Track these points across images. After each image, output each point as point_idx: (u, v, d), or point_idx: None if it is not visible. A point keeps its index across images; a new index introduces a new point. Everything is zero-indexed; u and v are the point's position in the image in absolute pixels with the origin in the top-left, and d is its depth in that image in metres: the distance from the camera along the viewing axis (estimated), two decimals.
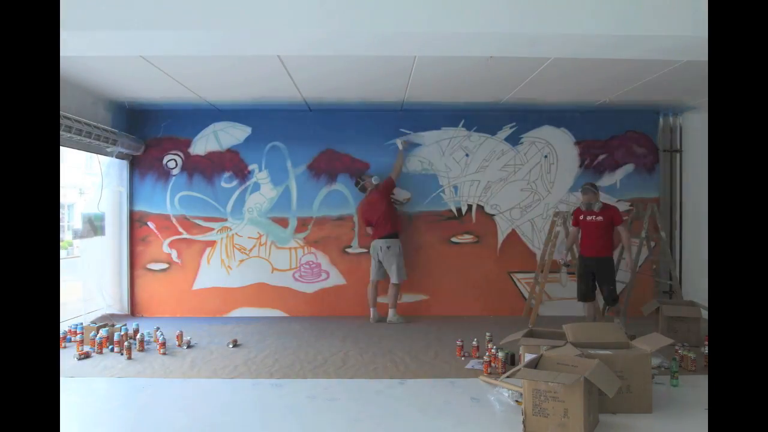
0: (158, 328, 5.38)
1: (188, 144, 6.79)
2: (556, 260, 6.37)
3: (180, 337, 5.25)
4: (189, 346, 5.17)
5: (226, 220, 6.80)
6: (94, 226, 6.35)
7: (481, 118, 6.76)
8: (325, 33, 3.21)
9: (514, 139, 6.81)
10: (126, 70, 5.06)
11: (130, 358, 4.77)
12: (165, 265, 6.77)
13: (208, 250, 6.79)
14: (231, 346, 5.19)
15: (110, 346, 5.01)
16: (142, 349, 5.01)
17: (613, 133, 6.83)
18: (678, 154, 6.87)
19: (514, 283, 6.76)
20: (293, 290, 6.79)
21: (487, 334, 5.09)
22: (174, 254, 6.77)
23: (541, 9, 3.15)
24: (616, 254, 6.16)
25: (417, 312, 6.70)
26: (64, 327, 5.35)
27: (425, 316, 6.62)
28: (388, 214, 6.33)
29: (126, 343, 4.85)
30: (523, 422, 3.19)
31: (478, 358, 4.67)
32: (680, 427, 3.31)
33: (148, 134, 6.77)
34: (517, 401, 3.62)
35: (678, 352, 4.49)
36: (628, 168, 6.84)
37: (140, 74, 5.11)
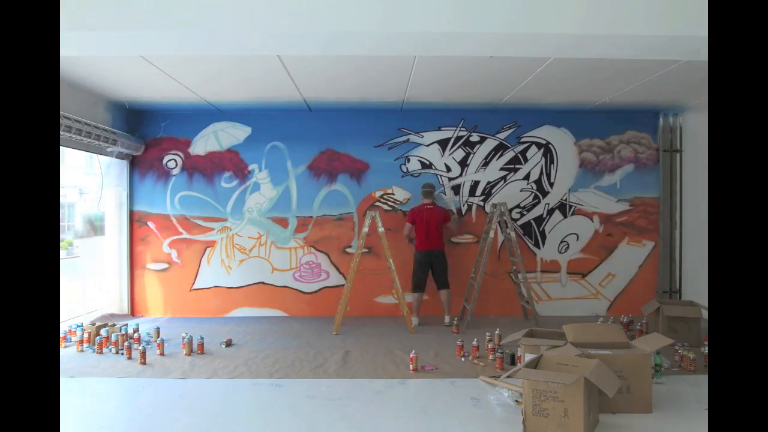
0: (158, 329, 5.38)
1: (188, 144, 6.79)
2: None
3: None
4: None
5: (226, 220, 6.80)
6: (94, 226, 6.35)
7: (481, 118, 6.76)
8: (325, 33, 3.20)
9: (514, 139, 6.82)
10: (126, 70, 5.06)
11: (130, 357, 4.76)
12: (165, 265, 6.78)
13: (208, 250, 6.79)
14: (224, 345, 5.19)
15: (110, 347, 5.01)
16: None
17: (613, 133, 6.84)
18: (678, 154, 6.87)
19: (514, 283, 6.75)
20: (293, 290, 6.79)
21: (487, 334, 5.09)
22: (174, 254, 6.77)
23: (541, 9, 3.14)
24: None
25: (417, 312, 6.69)
26: (64, 327, 5.35)
27: (425, 316, 6.61)
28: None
29: (126, 343, 4.85)
30: (523, 422, 3.19)
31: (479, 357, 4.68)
32: (680, 427, 3.31)
33: (148, 134, 6.77)
34: (517, 401, 3.62)
35: (678, 352, 4.49)
36: (628, 168, 6.84)
37: (140, 74, 5.11)
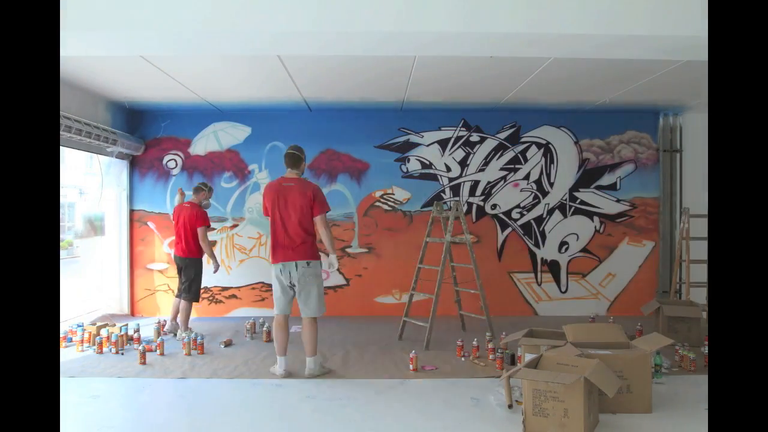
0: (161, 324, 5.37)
1: (188, 144, 6.79)
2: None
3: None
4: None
5: (226, 220, 6.79)
6: (94, 226, 6.35)
7: (481, 118, 6.76)
8: (325, 33, 3.20)
9: (514, 139, 6.81)
10: (126, 70, 5.06)
11: (130, 357, 4.76)
12: (165, 265, 6.77)
13: None
14: (224, 346, 5.19)
15: (110, 347, 5.01)
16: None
17: (613, 133, 6.84)
18: (678, 154, 6.87)
19: (514, 283, 6.75)
20: None
21: (488, 334, 5.09)
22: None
23: (541, 9, 3.14)
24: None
25: (417, 312, 6.68)
26: (64, 327, 5.35)
27: (425, 316, 6.60)
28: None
29: (126, 344, 4.85)
30: (523, 422, 3.19)
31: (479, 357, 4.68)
32: (680, 427, 3.31)
33: (148, 134, 6.77)
34: (516, 401, 3.62)
35: (678, 352, 4.49)
36: (628, 168, 6.84)
37: (140, 74, 5.10)
